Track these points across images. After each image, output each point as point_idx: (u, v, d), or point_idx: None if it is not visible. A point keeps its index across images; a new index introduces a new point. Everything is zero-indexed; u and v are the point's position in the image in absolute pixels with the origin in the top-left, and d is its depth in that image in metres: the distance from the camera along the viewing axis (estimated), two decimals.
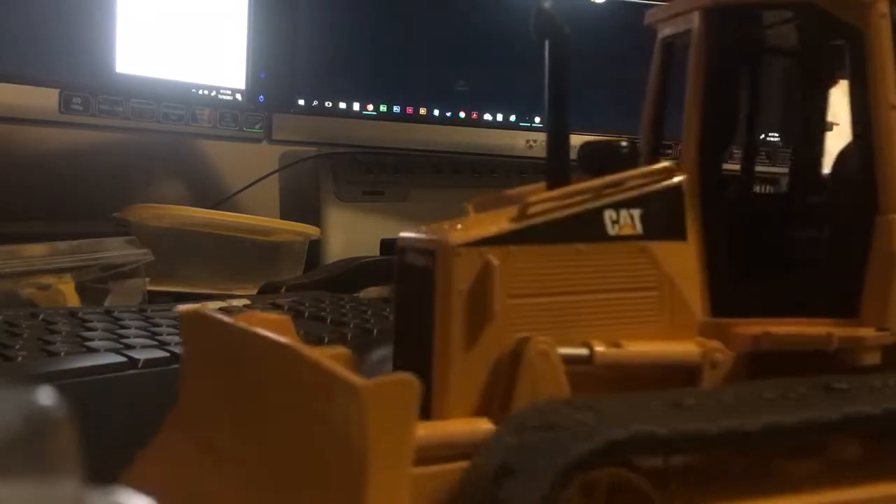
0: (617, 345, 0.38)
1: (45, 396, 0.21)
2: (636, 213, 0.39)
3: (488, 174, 1.10)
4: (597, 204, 0.38)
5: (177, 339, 0.51)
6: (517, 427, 0.33)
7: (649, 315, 0.39)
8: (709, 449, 0.36)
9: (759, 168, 0.53)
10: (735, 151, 0.50)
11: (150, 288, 0.75)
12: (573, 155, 0.41)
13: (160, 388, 0.39)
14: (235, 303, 0.67)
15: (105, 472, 0.24)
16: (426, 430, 0.32)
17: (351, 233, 1.03)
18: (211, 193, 1.08)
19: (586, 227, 0.38)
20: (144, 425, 0.37)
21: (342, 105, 0.98)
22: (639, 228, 0.39)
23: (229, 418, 0.35)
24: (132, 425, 0.37)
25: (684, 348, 0.39)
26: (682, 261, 0.40)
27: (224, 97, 0.92)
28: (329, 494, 0.29)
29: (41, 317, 0.56)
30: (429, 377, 0.35)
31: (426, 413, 0.34)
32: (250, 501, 0.32)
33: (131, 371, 0.47)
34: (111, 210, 0.85)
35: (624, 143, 0.41)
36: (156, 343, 0.51)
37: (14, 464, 0.20)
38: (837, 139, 0.47)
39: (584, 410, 0.33)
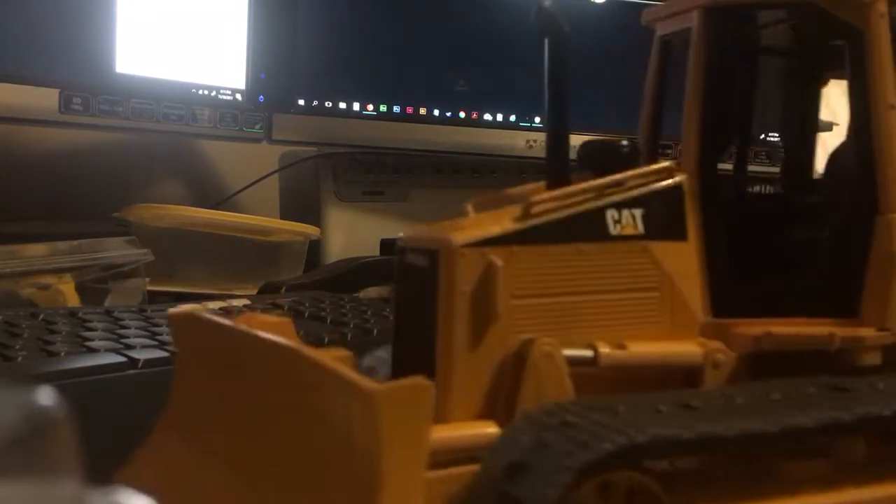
0: (621, 346, 0.38)
1: (45, 396, 0.21)
2: (638, 212, 0.39)
3: (488, 174, 1.10)
4: (599, 204, 0.38)
5: None
6: (532, 426, 0.32)
7: (650, 316, 0.39)
8: (726, 451, 0.36)
9: (759, 168, 0.53)
10: (734, 151, 0.50)
11: (150, 288, 0.75)
12: (573, 154, 0.41)
13: (160, 388, 0.39)
14: (235, 303, 0.67)
15: (105, 472, 0.24)
16: (435, 434, 0.32)
17: (351, 233, 1.03)
18: (211, 193, 1.08)
19: (588, 227, 0.38)
20: (145, 425, 0.37)
21: (342, 105, 0.98)
22: (640, 228, 0.39)
23: (229, 419, 0.35)
24: (132, 425, 0.37)
25: (686, 349, 0.39)
26: (683, 261, 0.40)
27: (224, 97, 0.92)
28: (342, 498, 0.29)
29: (41, 317, 0.56)
30: (431, 379, 0.35)
31: None
32: (253, 503, 0.32)
33: (131, 371, 0.47)
34: (111, 210, 0.85)
35: (624, 143, 0.41)
36: (156, 343, 0.51)
37: (14, 464, 0.20)
38: (838, 139, 0.47)
39: (600, 412, 0.33)
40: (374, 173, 1.06)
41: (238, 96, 0.93)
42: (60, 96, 0.81)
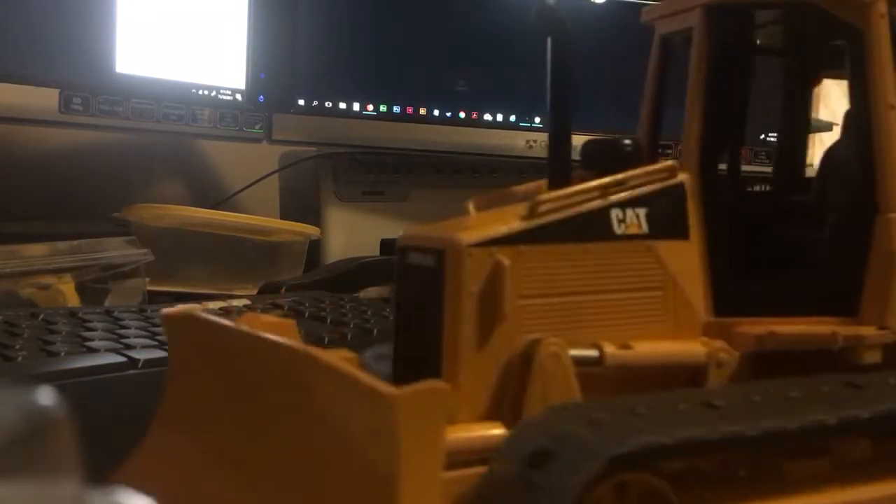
0: (626, 346, 0.38)
1: (45, 396, 0.21)
2: (642, 212, 0.39)
3: (488, 174, 1.10)
4: (604, 203, 0.38)
5: None
6: (550, 423, 0.32)
7: (654, 315, 0.39)
8: (750, 450, 0.36)
9: (760, 168, 0.53)
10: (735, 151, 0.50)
11: (150, 288, 0.75)
12: (574, 153, 0.40)
13: (160, 388, 0.39)
14: (235, 303, 0.67)
15: (105, 472, 0.24)
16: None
17: (351, 233, 1.03)
18: (211, 193, 1.08)
19: (594, 227, 0.38)
20: (144, 425, 0.37)
21: (342, 105, 0.98)
22: (645, 228, 0.39)
23: (228, 420, 0.35)
24: (132, 425, 0.37)
25: (690, 348, 0.39)
26: (686, 260, 0.40)
27: (224, 97, 0.92)
28: (359, 499, 0.29)
29: (41, 317, 0.56)
30: (437, 378, 0.35)
31: None
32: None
33: (131, 371, 0.47)
34: (111, 210, 0.86)
35: (627, 142, 0.41)
36: (156, 343, 0.51)
37: (14, 464, 0.20)
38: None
39: (620, 413, 0.33)
40: (374, 173, 1.06)
41: (238, 96, 0.93)
42: (60, 96, 0.81)
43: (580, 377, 0.36)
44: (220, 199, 1.04)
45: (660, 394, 0.36)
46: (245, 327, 0.35)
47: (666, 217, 0.40)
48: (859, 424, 0.36)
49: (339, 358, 0.33)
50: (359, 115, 0.99)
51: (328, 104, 0.97)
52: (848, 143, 0.48)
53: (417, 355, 0.37)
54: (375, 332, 0.61)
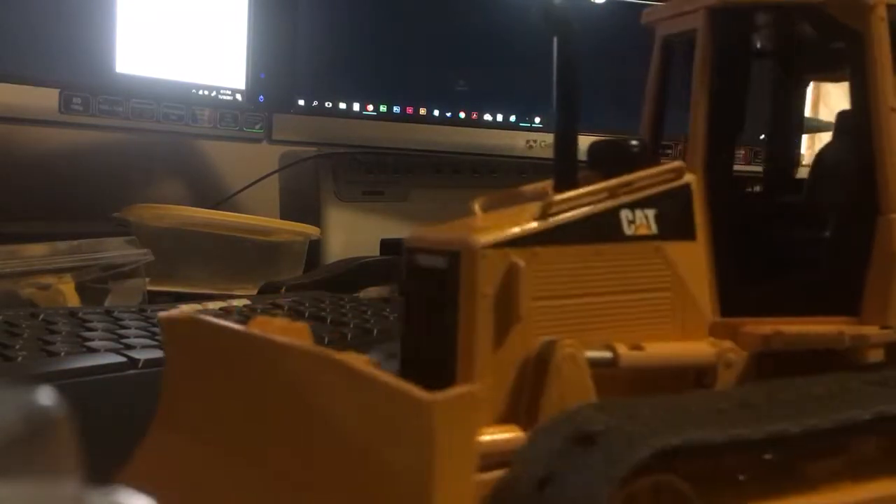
0: (638, 347, 0.38)
1: (45, 396, 0.21)
2: (651, 213, 0.39)
3: (488, 174, 1.10)
4: (614, 204, 0.38)
5: None
6: (582, 422, 0.32)
7: (662, 316, 0.39)
8: (791, 448, 0.36)
9: (758, 168, 0.53)
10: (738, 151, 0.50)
11: (150, 288, 0.75)
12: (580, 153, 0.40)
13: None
14: (235, 303, 0.67)
15: (105, 472, 0.24)
16: None
17: (351, 233, 1.03)
18: (211, 193, 1.08)
19: (605, 228, 0.38)
20: (144, 425, 0.37)
21: (342, 105, 0.98)
22: (653, 228, 0.39)
23: (236, 423, 0.34)
24: (132, 425, 0.37)
25: (700, 349, 0.39)
26: (692, 261, 0.40)
27: (224, 97, 0.92)
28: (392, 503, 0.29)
29: (41, 317, 0.56)
30: (450, 381, 0.35)
31: None
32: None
33: (131, 371, 0.47)
34: (111, 210, 0.85)
35: (634, 142, 0.41)
36: (156, 343, 0.51)
37: (14, 464, 0.20)
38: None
39: (659, 412, 0.34)
40: (374, 173, 1.06)
41: (238, 96, 0.93)
42: (60, 96, 0.81)
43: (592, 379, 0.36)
44: (220, 199, 1.04)
45: (693, 393, 0.36)
46: (255, 331, 0.35)
47: (673, 218, 0.40)
48: (892, 419, 0.37)
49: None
50: (359, 115, 0.99)
51: (328, 104, 0.97)
52: (840, 144, 0.48)
53: (428, 357, 0.37)
54: (375, 332, 0.61)
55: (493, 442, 0.34)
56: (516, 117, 1.05)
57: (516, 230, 0.36)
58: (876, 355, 0.40)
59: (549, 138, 1.05)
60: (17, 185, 0.97)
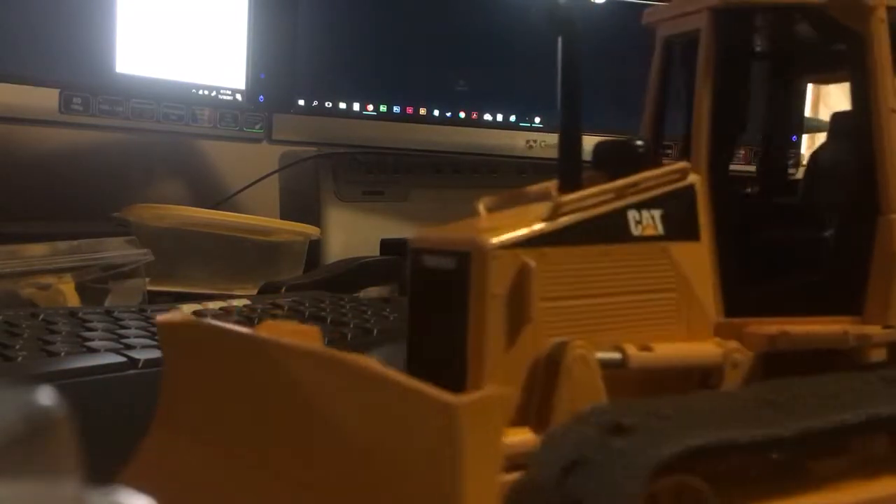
0: (647, 348, 0.38)
1: (45, 396, 0.21)
2: (657, 213, 0.39)
3: (488, 174, 1.10)
4: (622, 204, 0.38)
5: None
6: (607, 422, 0.32)
7: (668, 316, 0.39)
8: (824, 445, 0.37)
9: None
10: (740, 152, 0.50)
11: (150, 288, 0.75)
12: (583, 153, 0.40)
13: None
14: (235, 303, 0.67)
15: (105, 472, 0.24)
16: None
17: (351, 233, 1.03)
18: (211, 193, 1.08)
19: (613, 228, 0.38)
20: (144, 425, 0.37)
21: (342, 105, 0.98)
22: (660, 229, 0.39)
23: (242, 425, 0.34)
24: (132, 425, 0.37)
25: (707, 349, 0.39)
26: (697, 261, 0.40)
27: (224, 97, 0.92)
28: None
29: (41, 317, 0.56)
30: (458, 382, 0.34)
31: None
32: None
33: (131, 371, 0.47)
34: (111, 210, 0.85)
35: (639, 143, 0.41)
36: (156, 343, 0.51)
37: (14, 464, 0.20)
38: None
39: (691, 412, 0.34)
40: (374, 173, 1.06)
41: (238, 96, 0.93)
42: (60, 96, 0.81)
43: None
44: (220, 199, 1.04)
45: (709, 393, 0.37)
46: (256, 332, 0.35)
47: (678, 218, 0.40)
48: None
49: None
50: (359, 115, 0.99)
51: (328, 104, 0.97)
52: (836, 145, 0.48)
53: (435, 358, 0.36)
54: (375, 332, 0.61)
55: (507, 444, 0.33)
56: (516, 117, 1.05)
57: (526, 230, 0.36)
58: (878, 355, 0.40)
59: (549, 138, 1.05)
60: (17, 185, 0.97)
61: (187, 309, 0.63)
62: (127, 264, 0.72)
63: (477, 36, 1.02)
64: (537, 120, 1.05)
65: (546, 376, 0.35)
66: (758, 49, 0.48)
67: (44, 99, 0.81)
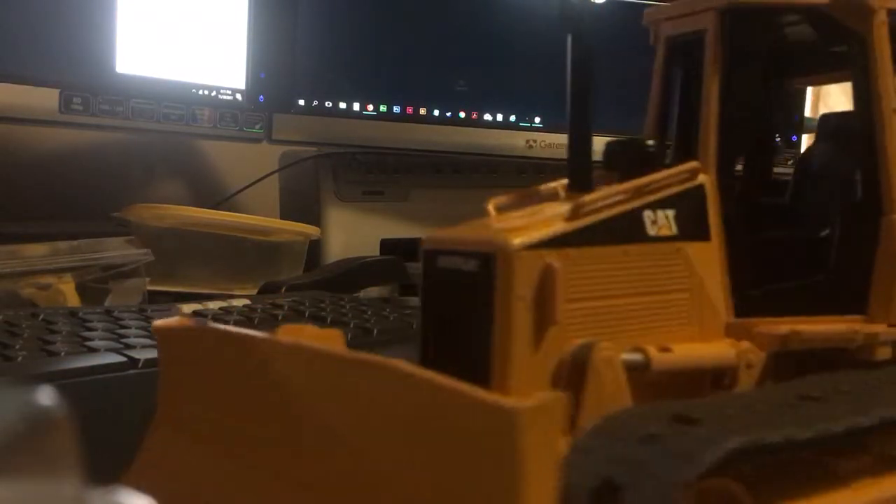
0: (666, 349, 0.37)
1: (45, 396, 0.21)
2: (671, 213, 0.39)
3: (488, 174, 1.10)
4: (638, 204, 0.38)
5: None
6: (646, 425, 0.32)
7: (683, 317, 0.39)
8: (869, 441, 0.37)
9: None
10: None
11: (150, 288, 0.75)
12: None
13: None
14: (235, 303, 0.67)
15: (105, 472, 0.24)
16: None
17: (351, 233, 1.03)
18: (211, 193, 1.08)
19: (630, 228, 0.38)
20: (145, 425, 0.37)
21: (342, 105, 0.98)
22: (674, 229, 0.39)
23: (243, 426, 0.33)
24: (132, 425, 0.37)
25: (722, 350, 0.39)
26: (708, 261, 0.40)
27: (224, 97, 0.92)
28: None
29: (41, 317, 0.56)
30: (484, 385, 0.33)
31: None
32: None
33: (131, 371, 0.47)
34: (111, 210, 0.85)
35: (650, 143, 0.41)
36: (155, 343, 0.51)
37: (14, 464, 0.20)
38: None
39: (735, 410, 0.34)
40: (374, 173, 1.06)
41: (238, 96, 0.93)
42: (60, 96, 0.81)
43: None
44: (220, 199, 1.04)
45: (752, 392, 0.37)
46: (257, 334, 0.34)
47: (690, 218, 0.40)
48: None
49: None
50: (359, 115, 0.99)
51: (328, 104, 0.97)
52: (826, 147, 0.48)
53: (454, 360, 0.36)
54: (375, 332, 0.61)
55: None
56: (516, 117, 1.05)
57: (549, 231, 0.35)
58: (884, 353, 0.41)
59: (549, 138, 1.05)
60: (17, 185, 0.97)
61: (187, 309, 0.63)
62: (127, 264, 0.72)
63: (477, 36, 1.02)
64: (537, 120, 1.05)
65: (572, 378, 0.34)
66: (760, 50, 0.48)
67: (44, 99, 0.81)
